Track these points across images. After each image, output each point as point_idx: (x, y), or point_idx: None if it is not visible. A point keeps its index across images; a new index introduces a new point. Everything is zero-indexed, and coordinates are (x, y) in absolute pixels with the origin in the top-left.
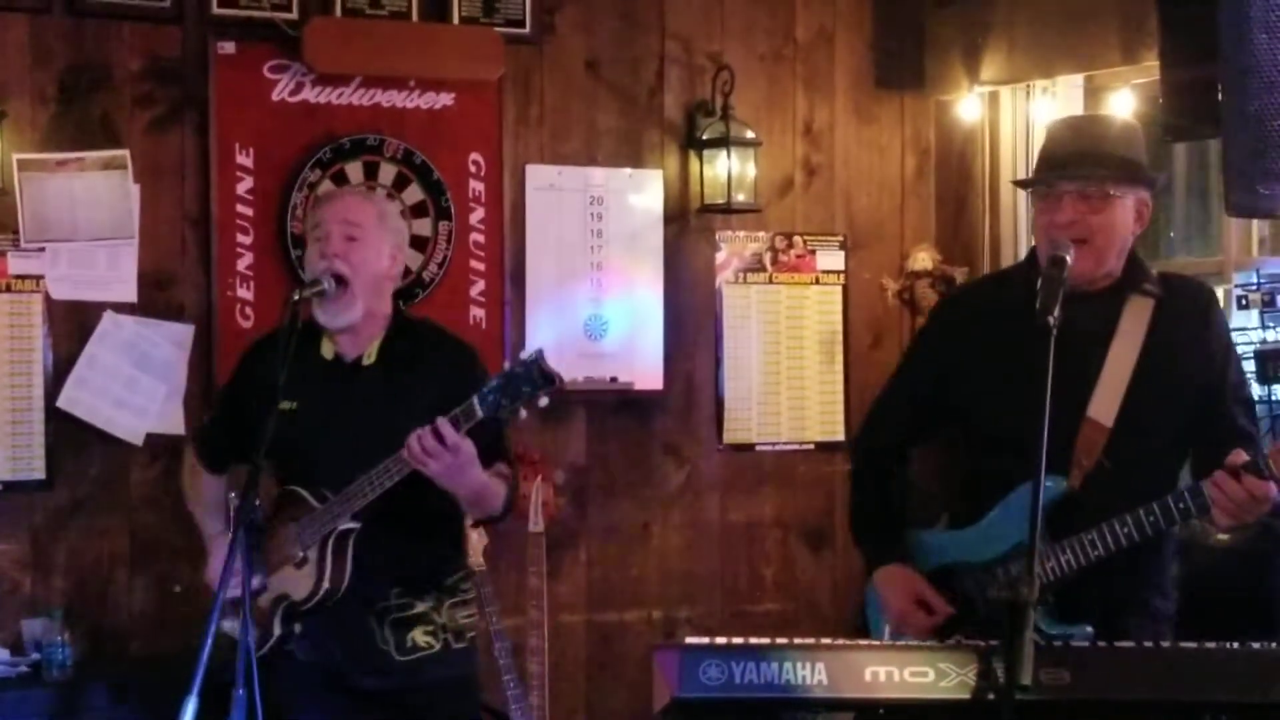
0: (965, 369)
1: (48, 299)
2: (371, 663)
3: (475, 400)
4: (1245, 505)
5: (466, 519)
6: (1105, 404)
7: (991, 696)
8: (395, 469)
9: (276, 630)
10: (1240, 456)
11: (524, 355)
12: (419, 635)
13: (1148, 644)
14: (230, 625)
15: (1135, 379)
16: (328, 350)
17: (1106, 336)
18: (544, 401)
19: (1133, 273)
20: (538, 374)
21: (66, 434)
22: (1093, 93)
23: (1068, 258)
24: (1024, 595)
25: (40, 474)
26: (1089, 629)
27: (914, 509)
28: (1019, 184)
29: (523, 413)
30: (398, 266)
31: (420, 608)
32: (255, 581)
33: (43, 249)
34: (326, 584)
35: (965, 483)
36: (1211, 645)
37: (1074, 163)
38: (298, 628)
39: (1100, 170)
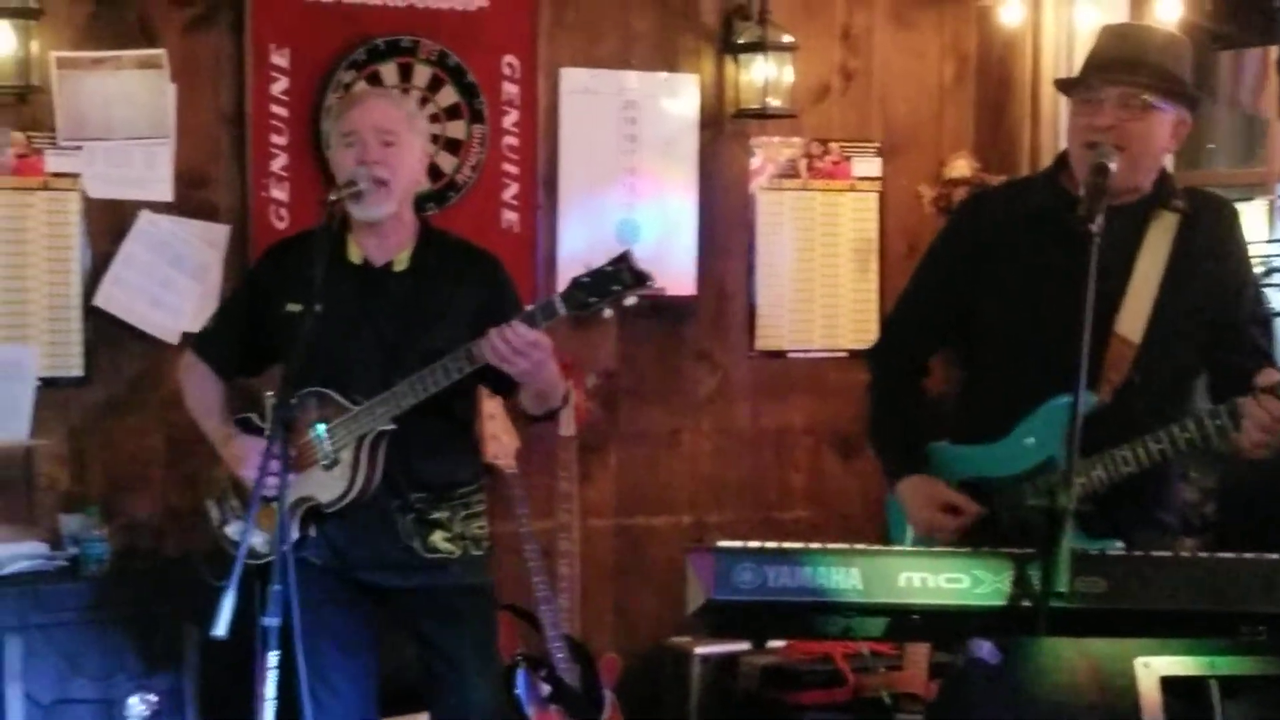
0: (985, 275)
1: (85, 197)
2: (394, 561)
3: (557, 298)
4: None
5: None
6: (1133, 320)
7: (1027, 603)
8: (454, 369)
9: (295, 534)
10: (1272, 376)
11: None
12: (439, 540)
13: (1185, 554)
14: (233, 529)
15: (1161, 295)
16: (355, 255)
17: (1132, 252)
18: (631, 300)
19: (1161, 189)
20: (628, 273)
21: (103, 331)
22: None
23: (1111, 166)
24: (1062, 502)
25: (78, 371)
26: (1119, 544)
27: (930, 422)
28: (1060, 85)
29: (607, 312)
30: (426, 166)
31: (437, 515)
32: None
33: (79, 147)
34: (359, 485)
35: (978, 394)
36: (1249, 556)
37: (1119, 68)
38: (313, 531)
39: (1144, 78)
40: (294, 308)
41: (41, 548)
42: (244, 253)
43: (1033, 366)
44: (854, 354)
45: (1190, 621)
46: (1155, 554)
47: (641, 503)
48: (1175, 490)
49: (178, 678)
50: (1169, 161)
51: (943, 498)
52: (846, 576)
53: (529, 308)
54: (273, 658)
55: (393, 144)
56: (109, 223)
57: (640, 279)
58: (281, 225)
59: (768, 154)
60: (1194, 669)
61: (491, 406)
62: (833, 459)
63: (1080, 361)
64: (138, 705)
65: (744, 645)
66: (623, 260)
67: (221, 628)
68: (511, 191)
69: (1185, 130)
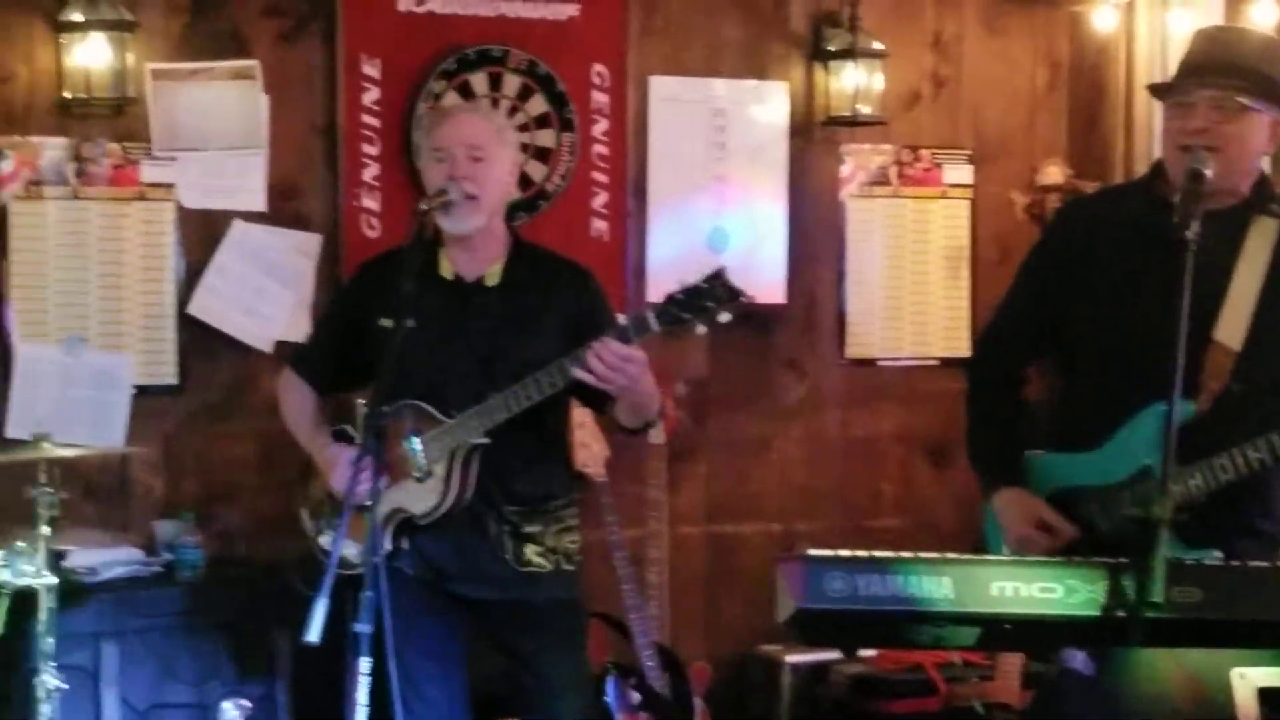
0: (1081, 283)
1: (179, 207)
2: (486, 574)
3: (649, 312)
4: None
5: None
6: (1232, 327)
7: (1121, 613)
8: (547, 384)
9: (387, 545)
10: None
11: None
12: (532, 553)
13: None
14: (328, 540)
15: (1261, 301)
16: (446, 270)
17: (1230, 258)
18: (725, 317)
19: (1260, 194)
20: (722, 288)
21: (197, 340)
22: (1233, 1)
23: (1207, 172)
24: (1157, 512)
25: (172, 379)
26: (1218, 553)
27: (1028, 430)
28: (1153, 90)
29: (700, 328)
30: (516, 177)
31: (530, 529)
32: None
33: (174, 158)
34: (452, 498)
35: (1073, 403)
36: None
37: (1212, 70)
38: (405, 543)
39: (1238, 80)
40: (387, 323)
41: (137, 554)
42: (336, 262)
43: (1129, 375)
44: (945, 362)
45: None
46: (1251, 564)
47: (731, 511)
48: (1276, 499)
49: (271, 683)
50: (1266, 165)
51: (1039, 515)
52: (938, 585)
53: (621, 322)
54: (365, 664)
55: (482, 159)
56: (203, 232)
57: (734, 295)
58: (373, 234)
59: (858, 161)
60: None
61: (580, 415)
62: (923, 467)
63: (1176, 369)
64: (231, 710)
65: (834, 654)
66: (717, 276)
67: (314, 634)
68: (601, 200)
69: None
